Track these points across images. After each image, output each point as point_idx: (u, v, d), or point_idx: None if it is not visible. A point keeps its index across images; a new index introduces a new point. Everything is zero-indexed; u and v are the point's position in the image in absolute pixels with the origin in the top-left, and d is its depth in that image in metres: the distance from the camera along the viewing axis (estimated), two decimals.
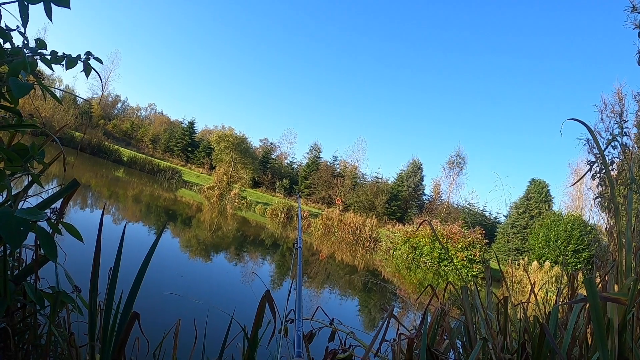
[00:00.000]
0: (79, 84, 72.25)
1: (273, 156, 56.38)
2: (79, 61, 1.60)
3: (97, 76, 1.72)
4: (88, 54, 1.65)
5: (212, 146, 37.89)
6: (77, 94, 54.57)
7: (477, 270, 19.04)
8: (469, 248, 20.02)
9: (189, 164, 51.91)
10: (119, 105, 69.39)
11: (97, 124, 53.82)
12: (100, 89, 60.35)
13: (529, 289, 2.00)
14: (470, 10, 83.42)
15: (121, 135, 58.74)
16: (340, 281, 11.35)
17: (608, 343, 1.10)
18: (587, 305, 1.55)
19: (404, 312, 7.85)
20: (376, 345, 1.74)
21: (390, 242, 22.84)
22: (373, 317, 8.07)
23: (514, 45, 79.80)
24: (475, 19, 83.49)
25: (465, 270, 18.89)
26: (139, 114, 72.09)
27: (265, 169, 50.02)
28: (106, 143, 35.04)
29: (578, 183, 37.31)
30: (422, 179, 48.30)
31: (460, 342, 1.92)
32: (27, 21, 1.44)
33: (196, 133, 57.38)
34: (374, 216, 28.00)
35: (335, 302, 8.54)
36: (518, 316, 2.06)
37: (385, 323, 1.70)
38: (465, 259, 19.45)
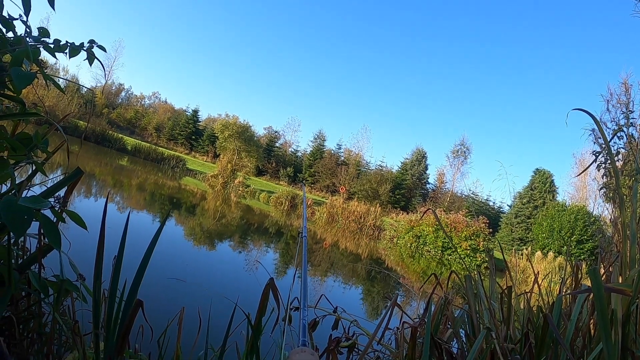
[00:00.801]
0: (82, 73, 72.30)
1: (277, 144, 56.20)
2: (82, 49, 1.59)
3: (101, 65, 1.69)
4: (91, 42, 1.63)
5: (216, 134, 37.71)
6: (80, 83, 54.52)
7: (481, 260, 19.07)
8: (472, 237, 20.03)
9: (193, 152, 51.94)
10: (123, 93, 69.26)
11: (101, 112, 53.65)
12: (103, 78, 60.27)
13: (533, 279, 2.00)
14: None
15: (125, 123, 58.66)
16: (344, 269, 11.40)
17: (612, 334, 1.09)
18: (591, 295, 1.55)
19: (407, 300, 7.89)
20: (380, 334, 1.74)
21: (394, 230, 22.89)
22: (376, 305, 8.11)
23: (520, 35, 78.97)
24: (479, 8, 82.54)
25: (469, 260, 18.94)
26: (142, 103, 71.99)
27: (270, 157, 49.96)
28: (110, 132, 35.00)
29: (583, 174, 37.10)
30: (426, 168, 48.18)
31: (463, 331, 1.92)
32: (30, 9, 1.43)
33: (200, 121, 57.24)
34: (377, 205, 27.97)
35: (339, 290, 8.59)
36: (521, 306, 2.06)
37: (389, 311, 1.70)
38: (468, 248, 19.48)
